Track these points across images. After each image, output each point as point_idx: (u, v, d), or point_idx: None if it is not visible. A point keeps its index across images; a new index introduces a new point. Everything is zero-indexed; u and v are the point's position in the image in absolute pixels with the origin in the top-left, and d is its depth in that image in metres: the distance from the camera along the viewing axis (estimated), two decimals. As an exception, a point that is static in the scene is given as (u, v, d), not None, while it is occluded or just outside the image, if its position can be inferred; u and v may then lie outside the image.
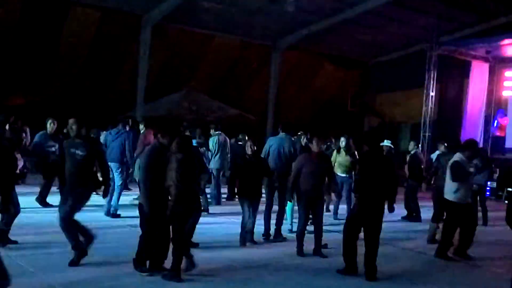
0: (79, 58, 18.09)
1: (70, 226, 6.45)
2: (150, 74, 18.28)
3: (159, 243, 6.26)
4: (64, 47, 17.64)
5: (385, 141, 14.19)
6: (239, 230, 8.19)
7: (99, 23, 17.53)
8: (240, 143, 13.60)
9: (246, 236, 8.14)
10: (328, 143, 12.75)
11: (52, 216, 8.77)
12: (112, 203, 9.81)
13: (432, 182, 10.20)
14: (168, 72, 19.51)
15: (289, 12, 17.00)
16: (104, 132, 11.88)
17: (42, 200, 10.36)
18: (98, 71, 18.44)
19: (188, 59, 19.72)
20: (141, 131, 11.88)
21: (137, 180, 12.28)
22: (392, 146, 13.93)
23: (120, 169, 10.04)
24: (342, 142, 11.18)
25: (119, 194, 9.97)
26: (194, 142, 9.65)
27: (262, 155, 8.94)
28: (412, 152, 12.41)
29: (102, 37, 17.74)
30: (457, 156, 7.91)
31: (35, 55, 17.13)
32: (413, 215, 11.63)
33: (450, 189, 7.89)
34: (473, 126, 19.30)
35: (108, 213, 9.78)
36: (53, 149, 9.93)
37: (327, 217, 10.48)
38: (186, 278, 6.13)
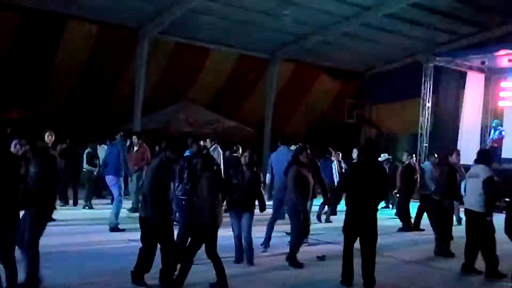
0: (76, 71, 18.10)
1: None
2: (147, 87, 18.29)
3: (168, 256, 6.28)
4: (61, 61, 17.65)
5: (382, 155, 14.29)
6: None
7: (95, 37, 17.56)
8: (235, 154, 13.59)
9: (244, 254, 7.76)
10: (327, 155, 12.76)
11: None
12: (111, 216, 9.77)
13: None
14: (165, 85, 19.52)
15: (285, 24, 17.10)
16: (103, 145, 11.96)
17: None
18: (95, 84, 18.45)
19: (185, 72, 19.75)
20: (134, 143, 11.96)
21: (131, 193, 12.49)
22: (391, 158, 14.02)
23: (116, 182, 10.04)
24: (354, 153, 11.34)
25: (118, 208, 9.90)
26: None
27: (268, 172, 9.34)
28: (406, 162, 12.49)
29: (99, 51, 17.76)
30: (488, 171, 7.69)
31: (32, 69, 17.13)
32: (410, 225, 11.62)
33: (479, 202, 7.63)
34: (469, 137, 19.31)
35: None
36: None
37: (331, 230, 10.51)
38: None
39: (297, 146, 8.97)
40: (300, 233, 7.90)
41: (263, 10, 16.96)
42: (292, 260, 7.72)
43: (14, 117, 16.88)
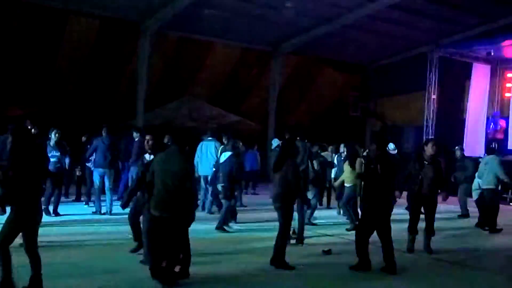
0: (78, 67, 18.03)
1: None
2: (150, 82, 18.21)
3: (177, 251, 6.24)
4: (63, 57, 17.58)
5: (390, 144, 14.26)
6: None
7: (97, 32, 17.47)
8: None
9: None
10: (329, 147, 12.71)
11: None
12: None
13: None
14: (168, 79, 19.44)
15: (288, 17, 16.95)
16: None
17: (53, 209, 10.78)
18: (97, 80, 18.38)
19: (188, 66, 19.66)
20: (135, 138, 11.96)
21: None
22: (396, 150, 13.94)
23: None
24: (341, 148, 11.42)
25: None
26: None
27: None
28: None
29: (100, 46, 17.67)
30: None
31: (34, 65, 17.06)
32: None
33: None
34: (475, 128, 19.16)
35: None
36: (56, 158, 10.48)
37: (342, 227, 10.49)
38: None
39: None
40: (287, 232, 7.54)
41: (266, 2, 16.80)
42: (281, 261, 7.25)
43: (17, 114, 16.82)
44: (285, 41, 20.48)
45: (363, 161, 10.45)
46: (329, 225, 10.93)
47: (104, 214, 11.18)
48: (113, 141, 11.52)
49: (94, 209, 11.47)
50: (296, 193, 7.36)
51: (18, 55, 16.65)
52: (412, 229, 8.51)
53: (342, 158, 11.88)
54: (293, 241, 8.49)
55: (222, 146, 11.72)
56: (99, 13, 16.89)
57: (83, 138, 13.89)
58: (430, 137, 18.45)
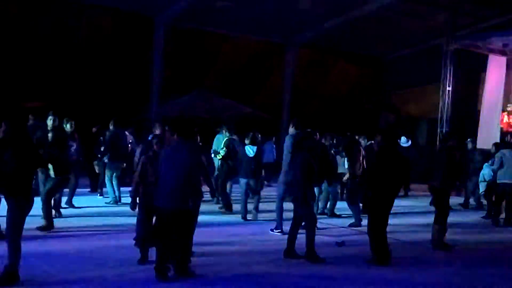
0: (93, 60, 18.17)
1: None
2: (164, 75, 18.31)
3: (188, 246, 6.28)
4: (78, 50, 17.74)
5: (403, 138, 14.26)
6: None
7: (112, 25, 17.60)
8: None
9: None
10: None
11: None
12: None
13: None
14: (182, 72, 19.52)
15: (302, 9, 16.91)
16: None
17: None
18: (112, 73, 18.50)
19: (201, 59, 19.72)
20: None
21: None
22: (410, 142, 13.90)
23: None
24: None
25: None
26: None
27: (284, 155, 9.00)
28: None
29: (116, 39, 17.80)
30: None
31: (51, 59, 17.23)
32: None
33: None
34: (490, 121, 19.01)
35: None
36: (72, 149, 10.40)
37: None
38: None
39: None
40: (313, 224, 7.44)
41: (280, -6, 16.80)
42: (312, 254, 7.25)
43: (34, 107, 17.02)
44: (299, 33, 20.43)
45: (364, 153, 10.48)
46: (343, 217, 10.92)
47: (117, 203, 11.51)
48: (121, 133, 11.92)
49: (108, 200, 11.70)
50: (303, 186, 7.26)
51: (36, 49, 16.83)
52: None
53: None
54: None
55: (226, 138, 11.66)
56: (114, 6, 17.00)
57: (94, 130, 14.00)
58: (444, 129, 18.38)
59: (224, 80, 20.78)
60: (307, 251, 7.14)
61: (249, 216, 10.42)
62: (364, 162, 10.38)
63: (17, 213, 5.65)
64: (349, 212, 10.41)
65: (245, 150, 10.52)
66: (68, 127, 10.55)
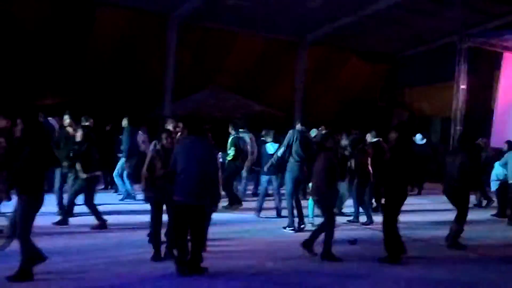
0: (106, 58, 18.29)
1: None
2: (177, 72, 18.37)
3: (201, 242, 6.37)
4: (92, 48, 17.87)
5: (418, 135, 14.21)
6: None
7: (125, 23, 17.70)
8: (262, 139, 13.62)
9: None
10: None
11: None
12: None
13: None
14: (195, 70, 19.58)
15: (314, 7, 16.87)
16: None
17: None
18: (125, 71, 18.62)
19: (214, 56, 19.76)
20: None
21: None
22: (425, 140, 13.82)
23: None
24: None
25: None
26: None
27: (283, 149, 9.29)
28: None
29: (128, 37, 17.90)
30: None
31: (64, 56, 17.38)
32: None
33: None
34: (504, 119, 18.87)
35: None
36: None
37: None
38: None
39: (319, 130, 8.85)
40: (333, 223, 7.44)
41: (292, -8, 16.78)
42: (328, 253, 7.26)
43: (49, 104, 17.18)
44: (311, 31, 20.39)
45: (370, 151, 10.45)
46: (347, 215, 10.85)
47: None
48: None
49: (121, 197, 11.88)
50: (330, 185, 7.32)
51: (49, 47, 16.98)
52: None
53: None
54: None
55: (233, 137, 11.66)
56: (127, 4, 17.10)
57: (107, 128, 14.12)
58: (458, 128, 18.26)
59: (236, 77, 20.80)
60: (323, 249, 7.17)
61: (262, 214, 10.46)
62: (369, 160, 10.36)
63: (28, 211, 5.74)
64: (350, 210, 10.54)
65: (266, 147, 10.56)
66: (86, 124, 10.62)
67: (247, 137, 12.10)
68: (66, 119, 9.91)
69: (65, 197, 9.38)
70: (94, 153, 9.01)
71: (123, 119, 12.20)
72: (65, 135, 9.67)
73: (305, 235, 7.65)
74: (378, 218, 10.00)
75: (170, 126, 8.75)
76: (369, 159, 10.28)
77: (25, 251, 5.71)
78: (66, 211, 8.85)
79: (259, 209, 10.46)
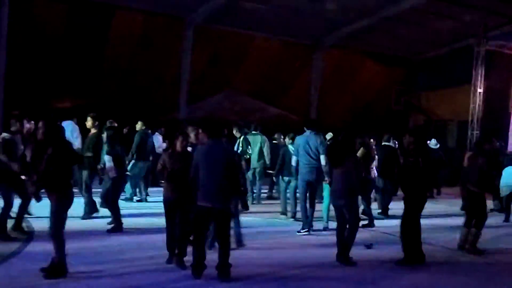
0: (123, 61, 18.43)
1: None
2: (193, 75, 18.45)
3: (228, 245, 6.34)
4: (109, 51, 18.02)
5: (433, 140, 14.09)
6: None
7: (142, 26, 17.83)
8: (275, 141, 13.66)
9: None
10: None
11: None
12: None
13: None
14: (210, 73, 19.64)
15: (330, 10, 16.86)
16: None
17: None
18: (142, 74, 18.74)
19: (229, 60, 19.81)
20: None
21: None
22: (438, 145, 13.68)
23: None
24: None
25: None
26: None
27: (294, 154, 9.44)
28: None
29: (145, 41, 18.02)
30: None
31: (81, 59, 17.55)
32: None
33: None
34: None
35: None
36: None
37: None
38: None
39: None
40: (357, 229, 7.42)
41: (308, -4, 16.77)
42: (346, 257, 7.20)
43: (66, 107, 17.36)
44: (327, 34, 20.36)
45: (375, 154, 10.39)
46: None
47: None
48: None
49: (138, 197, 12.03)
50: (359, 188, 7.45)
51: (67, 50, 17.16)
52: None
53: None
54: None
55: (240, 138, 11.68)
56: (144, 8, 17.23)
57: (125, 130, 14.21)
58: (475, 132, 18.10)
59: (252, 81, 20.83)
60: (342, 253, 7.14)
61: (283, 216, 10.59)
62: (373, 164, 10.34)
63: (59, 208, 5.93)
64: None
65: (288, 150, 10.66)
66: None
67: (258, 139, 12.20)
68: (89, 121, 9.97)
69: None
70: (122, 153, 9.23)
71: (137, 122, 12.26)
72: (94, 137, 9.75)
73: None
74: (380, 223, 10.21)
75: (192, 134, 8.79)
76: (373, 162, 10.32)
77: (59, 247, 5.88)
78: (115, 215, 8.80)
79: (285, 210, 10.68)
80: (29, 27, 16.40)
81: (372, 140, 10.87)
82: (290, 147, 10.57)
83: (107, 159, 8.89)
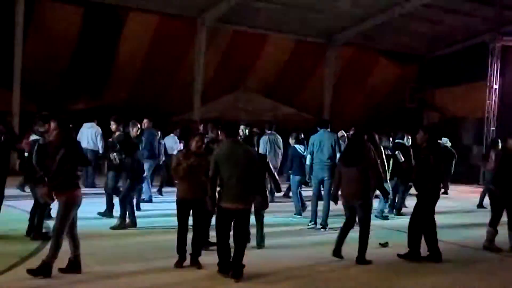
0: (137, 62, 18.54)
1: None
2: (206, 75, 18.50)
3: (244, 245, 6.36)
4: (123, 52, 18.13)
5: (443, 138, 14.01)
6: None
7: (155, 27, 17.91)
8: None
9: None
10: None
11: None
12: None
13: None
14: (223, 73, 19.68)
15: (343, 7, 16.80)
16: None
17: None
18: (155, 74, 18.83)
19: (242, 59, 19.83)
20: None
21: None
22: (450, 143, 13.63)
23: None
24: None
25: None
26: None
27: (309, 153, 9.59)
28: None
29: (158, 42, 18.10)
30: None
31: (96, 61, 17.69)
32: None
33: None
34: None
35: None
36: None
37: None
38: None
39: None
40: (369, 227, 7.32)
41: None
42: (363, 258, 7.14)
43: (80, 108, 17.51)
44: (340, 32, 20.30)
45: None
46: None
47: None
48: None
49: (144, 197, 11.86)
50: (375, 188, 7.51)
51: (82, 52, 17.31)
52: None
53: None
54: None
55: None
56: (158, 9, 17.31)
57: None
58: (491, 128, 17.94)
59: (264, 80, 20.83)
60: (359, 254, 7.08)
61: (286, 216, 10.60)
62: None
63: (66, 210, 5.96)
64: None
65: (295, 148, 10.69)
66: (134, 131, 10.37)
67: (272, 138, 12.21)
68: (113, 125, 10.02)
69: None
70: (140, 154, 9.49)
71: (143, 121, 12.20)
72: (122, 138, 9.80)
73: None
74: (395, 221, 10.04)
75: (211, 133, 8.76)
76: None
77: (54, 247, 5.92)
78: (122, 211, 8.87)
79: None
80: (44, 30, 16.56)
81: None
82: (297, 146, 10.66)
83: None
